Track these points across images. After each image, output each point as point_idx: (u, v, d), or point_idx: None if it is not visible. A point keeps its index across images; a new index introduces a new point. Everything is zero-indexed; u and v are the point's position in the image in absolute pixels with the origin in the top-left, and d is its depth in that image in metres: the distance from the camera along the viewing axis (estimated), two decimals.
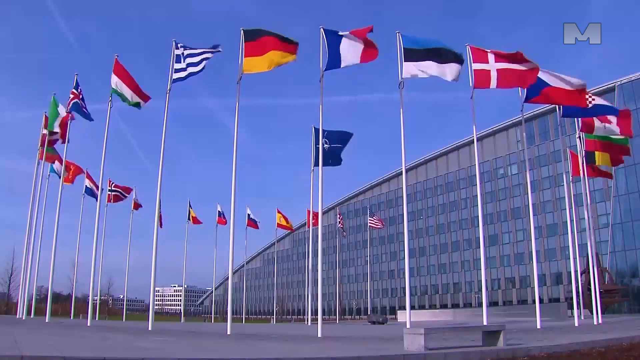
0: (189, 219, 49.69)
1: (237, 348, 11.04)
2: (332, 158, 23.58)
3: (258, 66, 17.34)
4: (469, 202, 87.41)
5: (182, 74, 19.35)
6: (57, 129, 26.26)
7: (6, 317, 34.68)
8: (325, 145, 23.46)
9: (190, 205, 50.01)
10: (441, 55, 17.45)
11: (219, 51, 19.14)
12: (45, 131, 27.01)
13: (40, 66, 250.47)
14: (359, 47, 17.15)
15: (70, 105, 24.12)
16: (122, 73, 21.53)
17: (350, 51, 17.15)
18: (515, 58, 18.14)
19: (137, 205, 42.28)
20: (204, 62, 19.11)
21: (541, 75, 19.05)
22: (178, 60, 19.47)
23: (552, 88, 19.35)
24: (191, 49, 19.46)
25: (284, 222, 51.56)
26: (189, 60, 19.29)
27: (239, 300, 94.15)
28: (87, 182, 34.63)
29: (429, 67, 17.49)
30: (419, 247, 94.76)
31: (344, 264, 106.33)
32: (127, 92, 21.32)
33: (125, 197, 38.76)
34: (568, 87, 19.40)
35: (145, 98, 21.65)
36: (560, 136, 33.93)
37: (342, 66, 17.22)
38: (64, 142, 26.29)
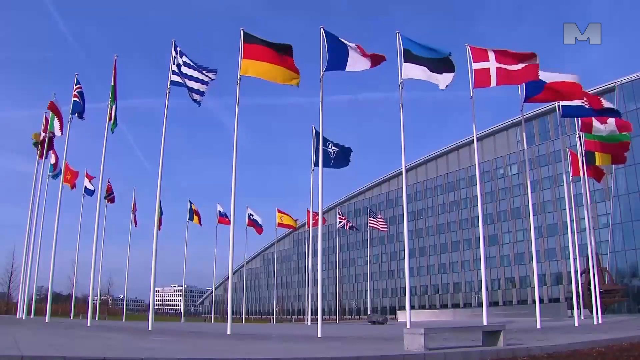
0: (190, 218, 49.15)
1: (237, 348, 11.03)
2: (340, 160, 24.37)
3: (255, 71, 17.26)
4: (469, 202, 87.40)
5: (180, 79, 19.35)
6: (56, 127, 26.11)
7: (6, 317, 34.65)
8: (332, 149, 23.95)
9: (192, 205, 49.56)
10: (435, 64, 17.47)
11: (212, 79, 19.42)
12: (44, 134, 26.84)
13: (40, 66, 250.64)
14: (360, 55, 17.18)
15: (72, 106, 24.02)
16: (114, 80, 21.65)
17: (354, 56, 17.13)
18: (516, 56, 18.15)
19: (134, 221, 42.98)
20: (204, 86, 19.22)
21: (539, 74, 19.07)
22: (177, 62, 19.45)
23: (550, 84, 19.38)
24: (190, 60, 19.51)
25: (285, 221, 50.81)
26: (185, 70, 19.25)
27: (239, 300, 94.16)
28: (86, 182, 34.51)
29: (424, 72, 17.58)
30: (419, 247, 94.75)
31: (344, 264, 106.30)
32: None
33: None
34: (563, 79, 19.52)
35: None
36: (560, 136, 33.95)
37: (346, 70, 17.19)
38: (62, 133, 25.84)
